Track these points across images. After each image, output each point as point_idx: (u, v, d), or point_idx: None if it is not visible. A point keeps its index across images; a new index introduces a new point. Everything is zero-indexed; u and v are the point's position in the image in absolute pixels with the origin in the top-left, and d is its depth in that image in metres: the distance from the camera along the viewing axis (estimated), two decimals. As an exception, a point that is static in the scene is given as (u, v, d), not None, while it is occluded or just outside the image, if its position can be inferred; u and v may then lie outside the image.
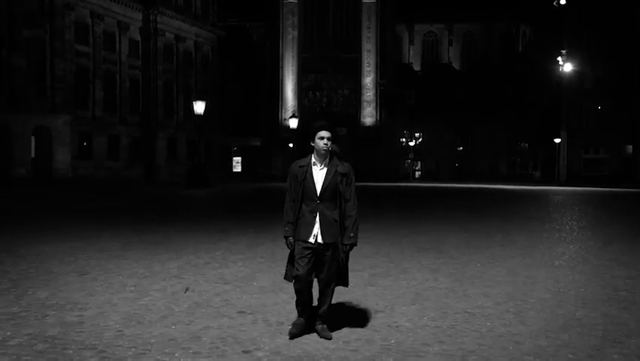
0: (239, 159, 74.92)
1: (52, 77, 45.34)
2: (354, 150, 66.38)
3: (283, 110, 73.90)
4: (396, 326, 5.75)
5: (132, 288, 7.29)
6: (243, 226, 14.03)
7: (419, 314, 6.19)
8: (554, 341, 5.31)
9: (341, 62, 73.78)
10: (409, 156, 75.82)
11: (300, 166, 5.04)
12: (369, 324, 5.77)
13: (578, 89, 58.22)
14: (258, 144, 73.85)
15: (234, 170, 73.19)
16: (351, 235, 5.09)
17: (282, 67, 74.69)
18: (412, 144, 74.66)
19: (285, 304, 6.48)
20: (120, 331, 5.52)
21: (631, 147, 59.50)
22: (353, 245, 5.16)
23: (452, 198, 31.79)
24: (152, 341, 5.23)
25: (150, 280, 7.75)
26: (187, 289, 7.28)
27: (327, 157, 4.98)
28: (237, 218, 16.99)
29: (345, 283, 5.46)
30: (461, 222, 15.56)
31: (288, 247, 5.19)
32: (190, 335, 5.44)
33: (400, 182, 60.51)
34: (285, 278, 5.42)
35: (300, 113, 69.59)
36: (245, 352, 4.95)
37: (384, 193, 35.42)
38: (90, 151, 52.33)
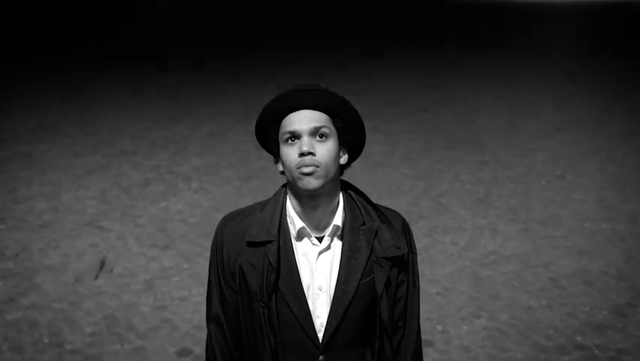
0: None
1: None
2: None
3: None
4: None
5: (8, 268, 4.44)
6: (207, 81, 10.71)
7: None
8: None
9: None
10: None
11: (250, 244, 1.62)
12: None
13: None
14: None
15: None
16: None
17: None
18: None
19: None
20: None
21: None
22: None
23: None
24: None
25: (48, 237, 4.89)
26: (102, 267, 4.48)
27: (335, 203, 1.64)
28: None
29: None
30: (485, 78, 12.23)
31: None
32: None
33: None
34: None
35: None
36: None
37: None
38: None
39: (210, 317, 1.73)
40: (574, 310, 3.99)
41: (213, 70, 11.39)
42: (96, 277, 4.32)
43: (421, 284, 1.81)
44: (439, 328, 3.80)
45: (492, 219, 5.30)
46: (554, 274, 4.42)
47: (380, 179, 6.03)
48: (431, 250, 4.73)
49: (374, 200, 1.73)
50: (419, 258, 4.37)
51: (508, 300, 4.10)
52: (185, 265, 4.47)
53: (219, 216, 5.43)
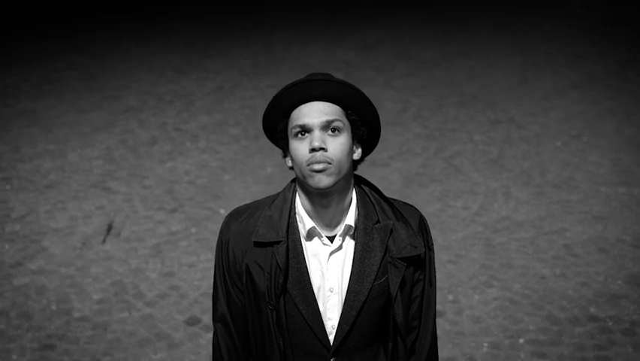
0: None
1: None
2: None
3: None
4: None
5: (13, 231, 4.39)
6: (213, 32, 10.43)
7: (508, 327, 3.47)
8: None
9: None
10: None
11: (258, 244, 1.53)
12: None
13: None
14: None
15: None
16: None
17: None
18: None
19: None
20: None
21: None
22: None
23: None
24: None
25: (55, 198, 4.84)
26: (109, 230, 4.43)
27: (348, 200, 1.54)
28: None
29: None
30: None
31: None
32: None
33: None
34: None
35: None
36: None
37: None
38: None
39: (217, 317, 1.66)
40: (588, 279, 3.93)
41: (219, 21, 11.10)
42: (103, 242, 4.27)
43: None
44: (450, 297, 3.75)
45: (505, 182, 5.19)
46: (569, 241, 4.34)
47: (391, 139, 5.90)
48: (443, 215, 4.63)
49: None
50: (430, 224, 4.31)
51: (521, 268, 4.04)
52: (193, 230, 4.41)
53: (227, 178, 5.36)
